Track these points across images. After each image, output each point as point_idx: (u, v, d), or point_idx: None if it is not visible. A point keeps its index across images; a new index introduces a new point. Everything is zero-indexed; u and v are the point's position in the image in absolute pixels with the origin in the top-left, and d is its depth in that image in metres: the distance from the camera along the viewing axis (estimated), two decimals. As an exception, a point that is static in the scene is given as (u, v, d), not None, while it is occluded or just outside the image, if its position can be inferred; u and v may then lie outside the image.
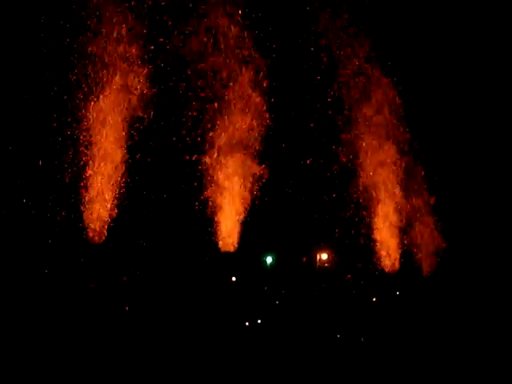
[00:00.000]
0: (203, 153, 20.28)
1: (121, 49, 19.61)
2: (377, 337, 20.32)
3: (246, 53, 20.40)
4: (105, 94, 19.56)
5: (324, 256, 21.81)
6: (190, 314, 19.50)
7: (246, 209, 20.45)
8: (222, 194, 20.29)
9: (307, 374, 18.13)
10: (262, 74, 20.54)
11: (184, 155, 20.10)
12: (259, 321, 20.20)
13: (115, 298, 19.22)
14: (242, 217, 20.37)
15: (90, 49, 19.45)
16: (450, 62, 21.59)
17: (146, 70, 19.75)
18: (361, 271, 21.52)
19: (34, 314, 18.22)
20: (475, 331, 20.33)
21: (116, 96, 19.58)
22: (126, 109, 19.65)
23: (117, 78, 19.56)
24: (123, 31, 19.62)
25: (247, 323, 20.01)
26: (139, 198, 19.77)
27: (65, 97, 19.42)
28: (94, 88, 19.55)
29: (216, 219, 20.26)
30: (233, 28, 20.25)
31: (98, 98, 19.51)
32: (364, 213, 21.54)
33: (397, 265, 21.47)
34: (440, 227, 21.76)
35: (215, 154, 20.34)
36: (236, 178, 20.35)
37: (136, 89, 19.68)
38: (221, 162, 20.35)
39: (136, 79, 19.69)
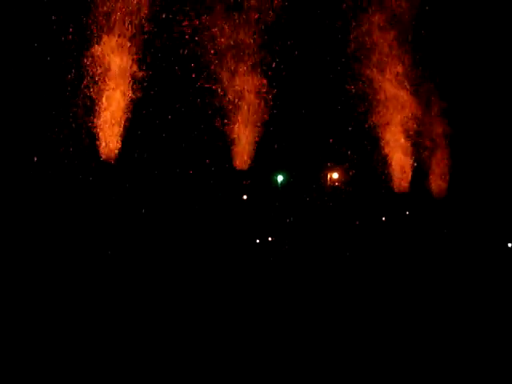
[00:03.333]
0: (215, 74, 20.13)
1: None
2: (385, 256, 20.54)
3: None
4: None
5: (335, 175, 21.86)
6: (201, 232, 19.67)
7: (257, 128, 20.38)
8: (234, 112, 20.20)
9: (314, 302, 18.34)
10: None
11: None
12: (270, 238, 20.43)
13: (132, 216, 19.39)
14: (253, 136, 20.31)
15: None
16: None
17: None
18: (371, 190, 21.61)
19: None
20: (480, 256, 20.54)
21: None
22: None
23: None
24: None
25: (258, 240, 20.21)
26: (153, 117, 19.69)
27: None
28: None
29: (228, 138, 20.23)
30: None
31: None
32: (375, 132, 21.47)
33: (407, 185, 21.54)
34: (452, 149, 21.76)
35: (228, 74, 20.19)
36: (248, 97, 20.22)
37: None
38: (233, 80, 20.17)
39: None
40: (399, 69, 21.34)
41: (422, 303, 15.89)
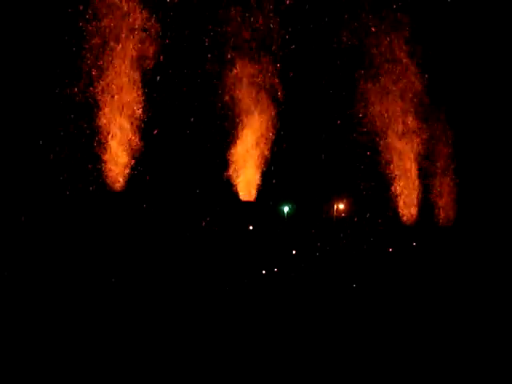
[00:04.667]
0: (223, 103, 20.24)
1: None
2: (392, 286, 20.41)
3: None
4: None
5: (341, 206, 21.80)
6: (206, 262, 19.60)
7: (264, 159, 20.40)
8: (241, 143, 20.24)
9: (320, 326, 18.29)
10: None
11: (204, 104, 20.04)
12: (276, 269, 20.31)
13: (133, 244, 19.33)
14: (260, 166, 20.32)
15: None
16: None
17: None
18: (378, 221, 21.53)
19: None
20: (488, 285, 20.41)
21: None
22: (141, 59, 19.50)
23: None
24: None
25: (264, 271, 20.10)
26: (159, 147, 19.74)
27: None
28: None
29: (235, 169, 20.24)
30: None
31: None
32: (382, 164, 21.46)
33: (414, 216, 21.46)
34: (459, 180, 21.72)
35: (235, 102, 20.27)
36: (255, 128, 20.29)
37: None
38: (241, 109, 20.26)
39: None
40: (408, 103, 21.45)
41: (428, 334, 15.82)
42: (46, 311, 15.28)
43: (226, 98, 20.32)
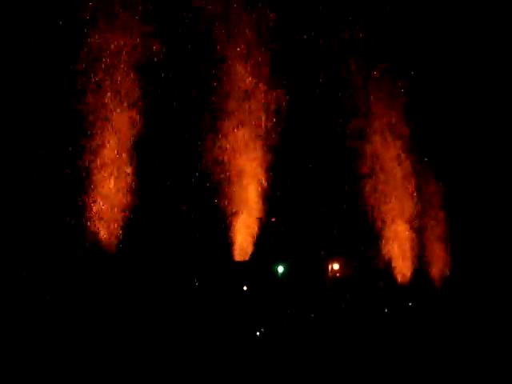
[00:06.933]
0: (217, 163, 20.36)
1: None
2: (386, 347, 20.26)
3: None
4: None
5: (336, 266, 21.75)
6: (200, 322, 19.45)
7: (258, 218, 20.43)
8: (235, 203, 20.30)
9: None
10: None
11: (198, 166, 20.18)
12: (270, 330, 20.13)
13: (127, 305, 19.21)
14: (254, 226, 20.36)
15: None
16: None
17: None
18: (372, 282, 21.46)
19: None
20: (484, 345, 20.26)
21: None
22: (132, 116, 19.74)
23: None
24: None
25: (258, 333, 19.93)
26: (152, 207, 19.79)
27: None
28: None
29: (229, 228, 20.25)
30: None
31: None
32: (377, 224, 21.49)
33: (409, 276, 21.41)
34: (453, 240, 21.72)
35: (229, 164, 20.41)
36: (250, 188, 20.38)
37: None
38: (235, 170, 20.38)
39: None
40: (402, 163, 21.64)
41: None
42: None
43: (220, 157, 20.48)
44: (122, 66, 19.57)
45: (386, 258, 21.52)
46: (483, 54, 21.62)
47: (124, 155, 19.62)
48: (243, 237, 20.27)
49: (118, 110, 19.60)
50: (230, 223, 20.29)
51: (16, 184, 19.22)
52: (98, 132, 19.51)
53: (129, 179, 19.70)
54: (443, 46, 21.52)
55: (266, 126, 20.57)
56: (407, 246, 21.51)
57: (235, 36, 20.36)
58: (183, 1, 20.01)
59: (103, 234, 19.37)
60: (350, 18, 21.01)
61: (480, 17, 21.51)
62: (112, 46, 19.55)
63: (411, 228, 21.60)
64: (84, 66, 19.39)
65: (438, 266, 21.87)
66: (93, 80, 19.49)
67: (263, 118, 20.56)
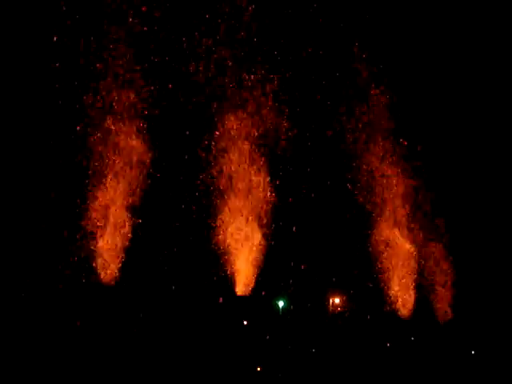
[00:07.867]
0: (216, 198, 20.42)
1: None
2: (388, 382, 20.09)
3: None
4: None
5: (337, 300, 21.63)
6: (201, 358, 19.31)
7: (259, 254, 20.40)
8: (235, 238, 20.30)
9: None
10: None
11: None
12: (270, 366, 19.96)
13: (128, 339, 19.12)
14: (255, 262, 20.32)
15: None
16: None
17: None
18: (374, 316, 21.33)
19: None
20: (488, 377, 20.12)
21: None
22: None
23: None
24: None
25: (259, 368, 19.76)
26: (153, 245, 19.83)
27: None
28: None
29: (230, 264, 20.22)
30: None
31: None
32: (378, 258, 21.43)
33: (411, 310, 21.28)
34: (456, 274, 21.65)
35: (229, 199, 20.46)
36: (250, 224, 20.39)
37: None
38: (235, 205, 20.42)
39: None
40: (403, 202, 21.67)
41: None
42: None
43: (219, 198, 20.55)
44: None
45: (388, 292, 21.42)
46: (480, 67, 21.69)
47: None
48: (245, 272, 20.26)
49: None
50: (231, 259, 20.30)
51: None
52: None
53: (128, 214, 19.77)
54: (437, 62, 21.62)
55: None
56: (409, 280, 21.45)
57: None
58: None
59: (102, 264, 19.38)
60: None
61: (476, 25, 21.62)
62: None
63: (414, 261, 21.54)
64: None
65: (441, 301, 21.77)
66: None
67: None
